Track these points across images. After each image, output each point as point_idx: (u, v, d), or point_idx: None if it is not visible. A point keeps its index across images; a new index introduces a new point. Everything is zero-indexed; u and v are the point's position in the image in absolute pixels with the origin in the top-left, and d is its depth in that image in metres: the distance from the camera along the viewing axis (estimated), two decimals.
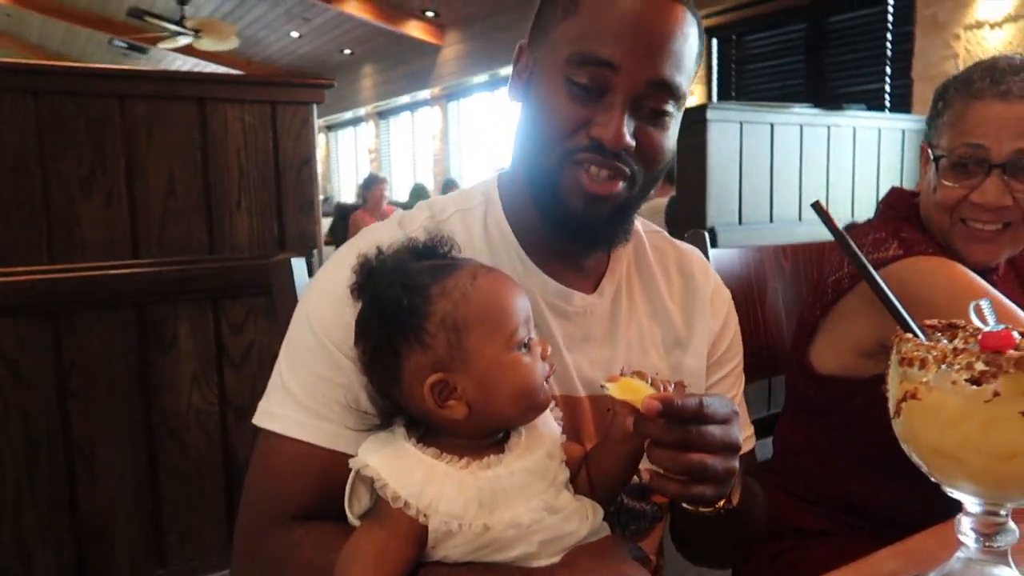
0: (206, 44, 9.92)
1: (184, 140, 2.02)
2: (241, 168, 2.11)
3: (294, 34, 11.72)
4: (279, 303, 1.00)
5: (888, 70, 5.39)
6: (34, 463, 1.87)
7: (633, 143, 0.77)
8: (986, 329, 0.56)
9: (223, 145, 2.08)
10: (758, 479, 1.31)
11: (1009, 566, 0.58)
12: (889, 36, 5.36)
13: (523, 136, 0.84)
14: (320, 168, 16.32)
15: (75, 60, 14.51)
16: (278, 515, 0.76)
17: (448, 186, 7.81)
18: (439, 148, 11.78)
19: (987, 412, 0.51)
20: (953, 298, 0.99)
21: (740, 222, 3.37)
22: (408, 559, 0.67)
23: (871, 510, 1.15)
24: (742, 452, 0.95)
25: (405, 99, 12.34)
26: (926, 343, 0.55)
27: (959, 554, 0.59)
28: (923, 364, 0.54)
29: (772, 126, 3.42)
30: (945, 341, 0.61)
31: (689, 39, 0.79)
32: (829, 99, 5.71)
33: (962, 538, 0.58)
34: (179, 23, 9.37)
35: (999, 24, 4.56)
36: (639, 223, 0.97)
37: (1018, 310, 0.97)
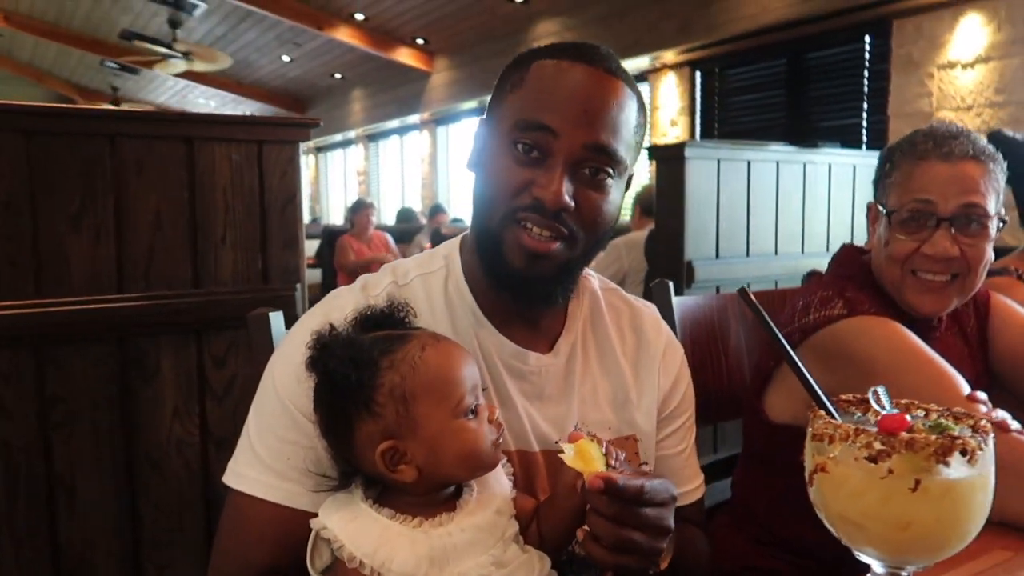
0: (197, 66, 9.99)
1: (172, 178, 2.07)
2: (227, 205, 2.16)
3: (285, 58, 11.82)
4: (256, 353, 1.05)
5: (865, 106, 5.53)
6: (13, 495, 1.89)
7: (572, 204, 0.83)
8: (883, 413, 0.62)
9: (210, 183, 2.13)
10: (715, 519, 1.38)
11: None
12: (866, 73, 5.50)
13: (475, 198, 0.91)
14: (308, 190, 16.45)
15: (66, 79, 14.56)
16: (246, 573, 0.80)
17: (435, 211, 7.87)
18: (427, 172, 11.87)
19: (883, 487, 0.57)
20: (890, 354, 1.06)
21: (717, 256, 3.45)
22: None
23: (821, 554, 1.21)
24: (691, 501, 1.02)
25: (394, 123, 12.45)
26: (834, 422, 0.61)
27: None
28: (831, 440, 0.60)
29: (749, 163, 3.52)
30: (858, 415, 0.67)
31: (625, 110, 0.86)
32: (808, 133, 5.84)
33: None
34: (170, 46, 9.44)
35: (970, 64, 4.70)
36: (597, 281, 1.03)
37: (949, 369, 1.04)
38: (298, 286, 2.29)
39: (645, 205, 3.89)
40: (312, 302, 2.15)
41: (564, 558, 0.87)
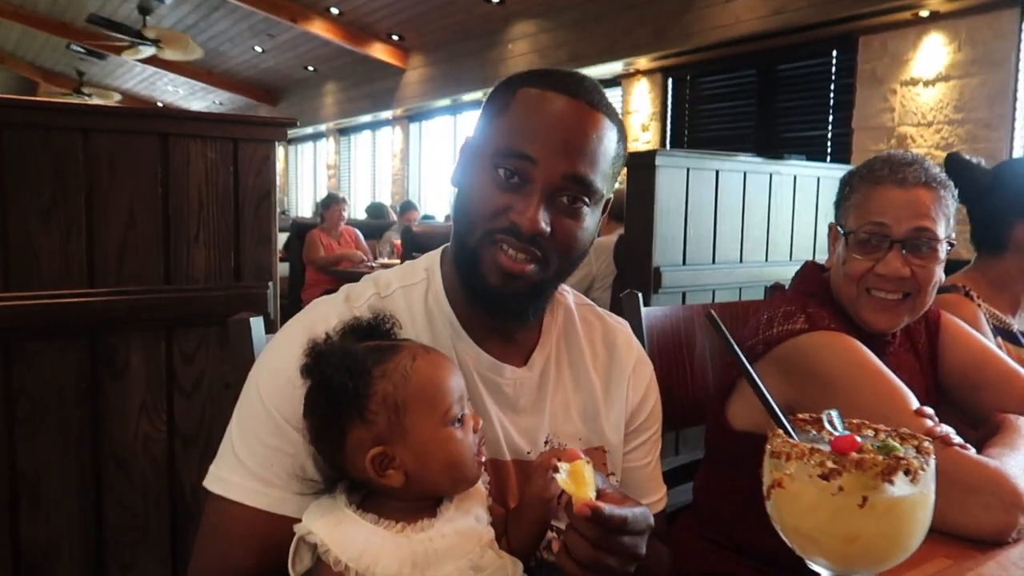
0: (168, 54, 9.84)
1: (146, 174, 2.06)
2: (201, 202, 2.16)
3: (257, 48, 11.70)
4: (236, 358, 1.06)
5: (831, 119, 5.67)
6: None
7: (548, 230, 0.86)
8: (836, 434, 0.67)
9: (184, 179, 2.12)
10: (676, 522, 1.42)
11: None
12: (832, 87, 5.64)
13: (456, 214, 0.94)
14: (278, 181, 16.23)
15: (30, 62, 14.23)
16: (226, 575, 0.82)
17: (407, 208, 7.85)
18: (399, 168, 11.84)
19: (834, 503, 0.62)
20: (847, 369, 1.13)
21: (684, 262, 3.52)
22: None
23: (782, 559, 1.26)
24: (654, 512, 1.06)
25: (367, 118, 12.39)
26: (790, 442, 0.66)
27: None
28: (788, 458, 0.65)
29: (717, 172, 3.59)
30: (813, 433, 0.71)
31: (604, 142, 0.89)
32: (776, 143, 5.96)
33: None
34: (139, 34, 9.28)
35: (932, 82, 4.85)
36: (572, 297, 1.07)
37: (900, 385, 1.10)
38: (271, 284, 2.30)
39: (614, 209, 3.94)
40: (281, 298, 2.15)
41: (533, 563, 0.91)
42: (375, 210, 8.60)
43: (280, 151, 15.19)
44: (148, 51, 9.73)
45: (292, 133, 14.82)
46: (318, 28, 9.83)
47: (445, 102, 10.42)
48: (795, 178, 3.88)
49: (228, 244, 2.21)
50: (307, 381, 0.80)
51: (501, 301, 0.90)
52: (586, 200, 0.89)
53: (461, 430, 0.81)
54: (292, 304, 5.44)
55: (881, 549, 0.64)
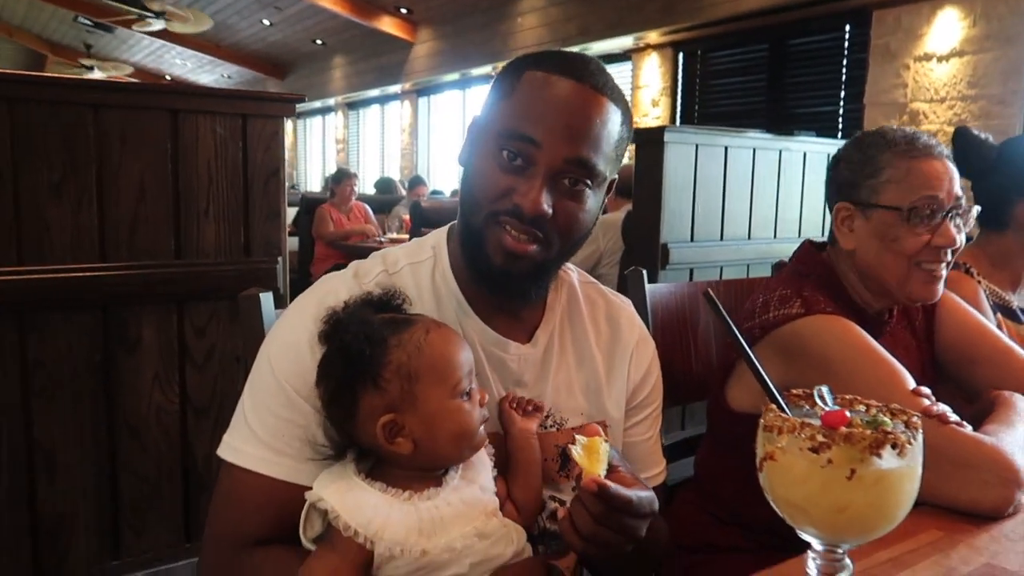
0: (176, 27, 9.81)
1: (156, 149, 2.08)
2: (211, 177, 2.18)
3: (265, 22, 11.64)
4: (246, 332, 1.09)
5: (842, 94, 5.61)
6: None
7: (549, 212, 0.88)
8: (826, 409, 0.69)
9: (194, 155, 2.14)
10: (679, 495, 1.45)
11: None
12: (845, 62, 5.58)
13: (461, 194, 0.96)
14: (287, 156, 16.20)
15: (38, 35, 14.19)
16: (240, 542, 0.85)
17: (415, 183, 7.85)
18: (408, 143, 11.81)
19: (823, 475, 0.64)
20: (844, 352, 1.14)
21: (692, 239, 3.52)
22: None
23: (780, 531, 1.29)
24: (654, 486, 1.08)
25: (375, 92, 12.34)
26: (782, 416, 0.68)
27: None
28: (779, 432, 0.67)
29: (726, 149, 3.57)
30: (806, 408, 0.73)
31: (608, 125, 0.90)
32: (786, 119, 5.92)
33: (809, 570, 0.71)
34: (146, 7, 9.25)
35: (945, 58, 4.79)
36: (576, 275, 1.09)
37: (897, 366, 1.11)
38: (280, 259, 2.32)
39: (622, 187, 3.93)
40: (290, 272, 2.18)
41: (536, 532, 0.94)
42: (384, 185, 8.59)
43: (288, 125, 15.10)
44: (158, 24, 9.69)
45: (300, 107, 14.76)
46: (326, 1, 9.77)
47: (454, 76, 10.36)
48: (805, 155, 3.86)
49: (238, 219, 2.24)
50: (324, 347, 0.83)
51: (504, 280, 0.91)
52: (588, 183, 0.90)
53: (469, 403, 0.84)
54: (302, 279, 5.47)
55: (868, 519, 0.66)
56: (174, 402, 2.17)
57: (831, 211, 1.35)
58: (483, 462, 0.87)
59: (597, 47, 7.64)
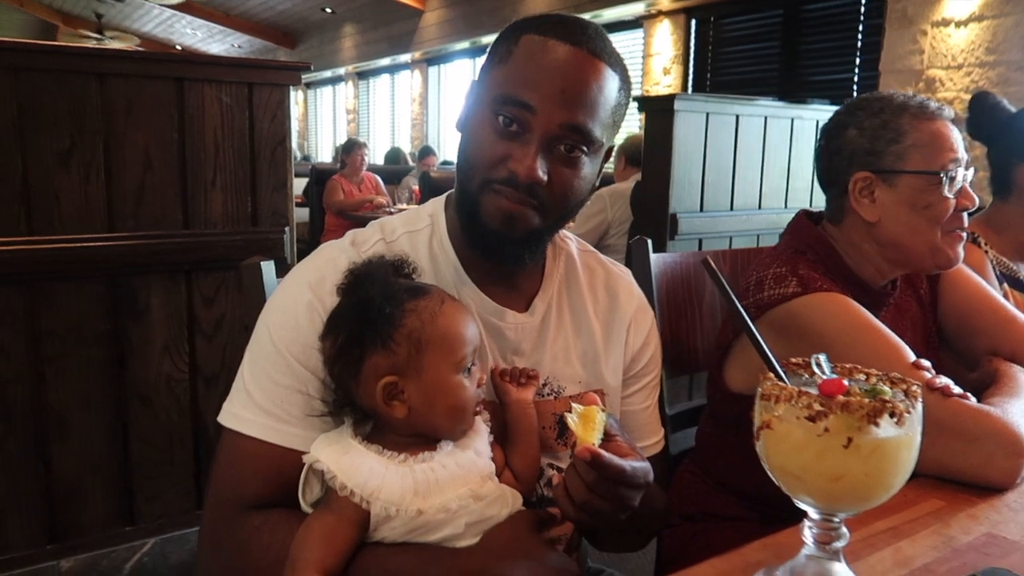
0: None
1: (162, 118, 2.08)
2: (217, 146, 2.18)
3: None
4: (249, 301, 1.09)
5: (858, 61, 5.51)
6: (7, 427, 1.96)
7: (544, 179, 0.87)
8: (824, 377, 0.68)
9: (200, 124, 2.14)
10: (681, 464, 1.46)
11: (840, 562, 0.71)
12: (861, 28, 5.47)
13: (458, 160, 0.95)
14: (297, 126, 16.20)
15: (48, 5, 14.13)
16: (240, 506, 0.86)
17: (425, 153, 7.81)
18: (418, 112, 11.74)
19: (820, 443, 0.64)
20: (842, 329, 1.12)
21: (702, 209, 3.49)
22: (352, 540, 0.79)
23: (778, 501, 1.29)
24: (652, 455, 1.09)
25: (385, 61, 12.24)
26: (780, 384, 0.67)
27: (803, 552, 0.72)
28: (777, 400, 0.66)
29: (737, 117, 3.53)
30: (805, 377, 0.73)
31: (605, 91, 0.89)
32: (800, 87, 5.83)
33: (805, 539, 0.71)
34: None
35: (964, 23, 4.69)
36: (575, 244, 1.09)
37: (896, 340, 1.10)
38: (287, 229, 2.32)
39: (631, 154, 3.90)
40: (299, 242, 2.20)
41: (535, 499, 0.94)
42: (393, 156, 8.57)
43: (299, 95, 14.99)
44: None
45: (311, 77, 14.71)
46: None
47: (464, 45, 10.25)
48: (817, 123, 3.81)
49: (244, 189, 2.24)
50: (340, 299, 0.83)
51: (499, 245, 0.91)
52: (584, 149, 0.89)
53: (469, 379, 0.84)
54: (311, 250, 5.46)
55: (865, 488, 0.66)
56: (184, 371, 2.19)
57: (832, 185, 1.29)
58: (478, 428, 0.88)
59: (608, 14, 7.53)
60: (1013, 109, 1.65)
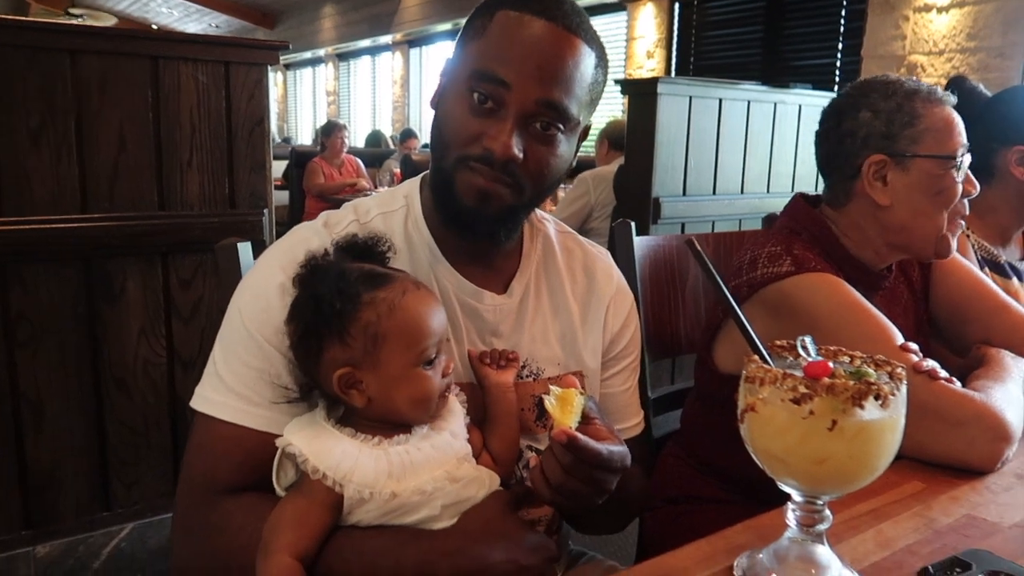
0: None
1: (136, 97, 2.03)
2: (193, 126, 2.14)
3: None
4: (225, 283, 1.07)
5: (840, 46, 5.52)
6: None
7: (520, 156, 0.86)
8: (809, 360, 0.67)
9: (175, 103, 2.10)
10: (665, 447, 1.46)
11: (823, 544, 0.71)
12: (843, 13, 5.48)
13: (432, 138, 0.93)
14: (276, 108, 16.01)
15: None
16: (212, 490, 0.85)
17: (407, 136, 7.74)
18: (399, 95, 11.64)
19: (804, 426, 0.63)
20: (832, 310, 1.12)
21: (684, 193, 3.49)
22: (326, 523, 0.78)
23: (763, 484, 1.30)
24: (632, 436, 1.08)
25: (366, 43, 12.11)
26: (764, 367, 0.66)
27: (787, 534, 0.72)
28: (761, 383, 0.65)
29: (720, 101, 3.52)
30: (790, 360, 0.72)
31: (581, 67, 0.87)
32: (783, 72, 5.83)
33: (789, 522, 0.71)
34: None
35: (945, 9, 4.70)
36: (552, 226, 1.08)
37: (886, 322, 1.10)
38: (266, 211, 2.29)
39: (614, 138, 3.89)
40: (279, 225, 2.18)
41: (513, 481, 0.93)
42: (374, 139, 8.49)
43: (279, 77, 14.83)
44: None
45: (290, 58, 14.52)
46: None
47: (446, 26, 10.15)
48: (800, 108, 3.81)
49: (222, 170, 2.20)
50: (296, 290, 0.82)
51: (473, 222, 0.90)
52: (560, 127, 0.88)
53: (432, 370, 0.82)
54: None
55: (849, 471, 0.65)
56: (161, 355, 2.16)
57: (839, 168, 1.27)
58: (454, 410, 0.87)
59: None
60: (989, 94, 1.65)
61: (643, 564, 0.78)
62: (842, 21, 5.50)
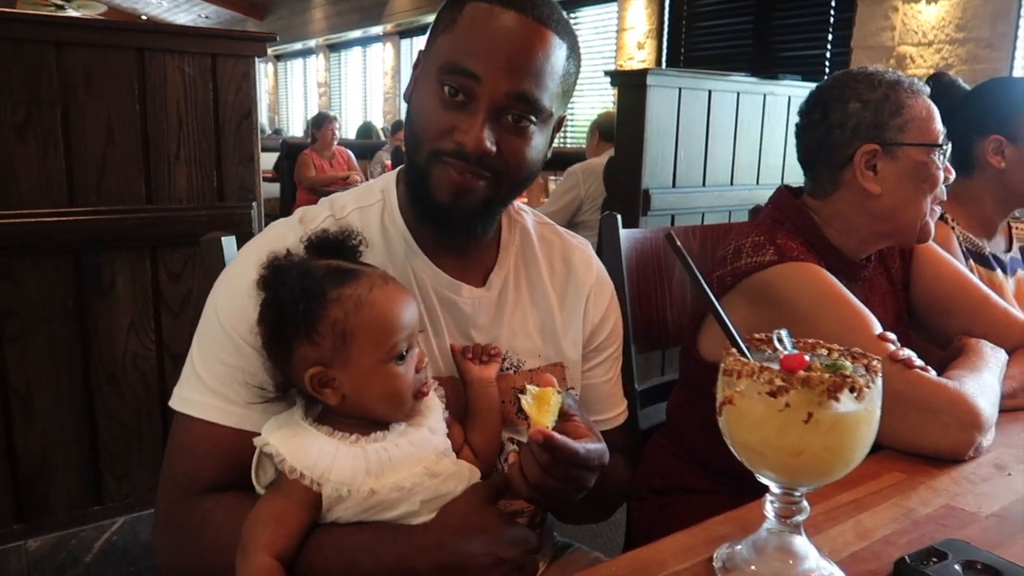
0: None
1: (123, 90, 2.03)
2: (180, 119, 2.13)
3: None
4: (210, 277, 1.07)
5: (830, 37, 5.52)
6: None
7: (493, 149, 0.85)
8: (785, 353, 0.68)
9: (162, 96, 2.09)
10: (652, 439, 1.47)
11: (801, 535, 0.72)
12: (833, 4, 5.48)
13: (405, 132, 0.94)
14: (267, 100, 15.92)
15: None
16: (193, 489, 0.85)
17: (398, 127, 7.72)
18: (391, 86, 11.59)
19: (781, 418, 0.64)
20: (813, 299, 1.14)
21: (674, 185, 3.49)
22: (304, 522, 0.78)
23: (746, 474, 1.31)
24: (615, 426, 1.09)
25: (357, 34, 12.04)
26: (742, 360, 0.67)
27: (766, 525, 0.73)
28: (739, 376, 0.66)
29: (710, 93, 3.52)
30: (768, 352, 0.73)
31: (552, 59, 0.87)
32: (773, 63, 5.83)
33: (767, 513, 0.72)
34: None
35: (934, 0, 4.71)
36: (531, 217, 1.08)
37: (865, 312, 1.11)
38: (254, 204, 2.29)
39: (605, 130, 3.89)
40: (269, 218, 2.20)
41: (494, 474, 0.94)
42: (364, 130, 8.46)
43: (269, 68, 14.70)
44: None
45: (280, 49, 14.44)
46: None
47: None
48: (789, 99, 3.81)
49: (210, 163, 2.20)
50: (262, 293, 0.81)
51: (449, 217, 0.90)
52: (533, 119, 0.88)
53: (404, 366, 0.82)
54: None
55: (824, 463, 0.66)
56: (151, 348, 2.16)
57: (826, 158, 1.28)
58: (432, 405, 0.87)
59: None
60: (968, 87, 1.67)
61: (625, 555, 0.79)
62: (832, 12, 5.50)
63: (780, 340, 0.69)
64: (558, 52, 0.88)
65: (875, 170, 1.24)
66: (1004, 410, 1.08)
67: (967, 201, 1.65)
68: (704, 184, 3.61)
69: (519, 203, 1.08)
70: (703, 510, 0.89)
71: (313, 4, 12.47)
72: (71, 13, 12.22)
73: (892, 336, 1.07)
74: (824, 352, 0.72)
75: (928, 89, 1.26)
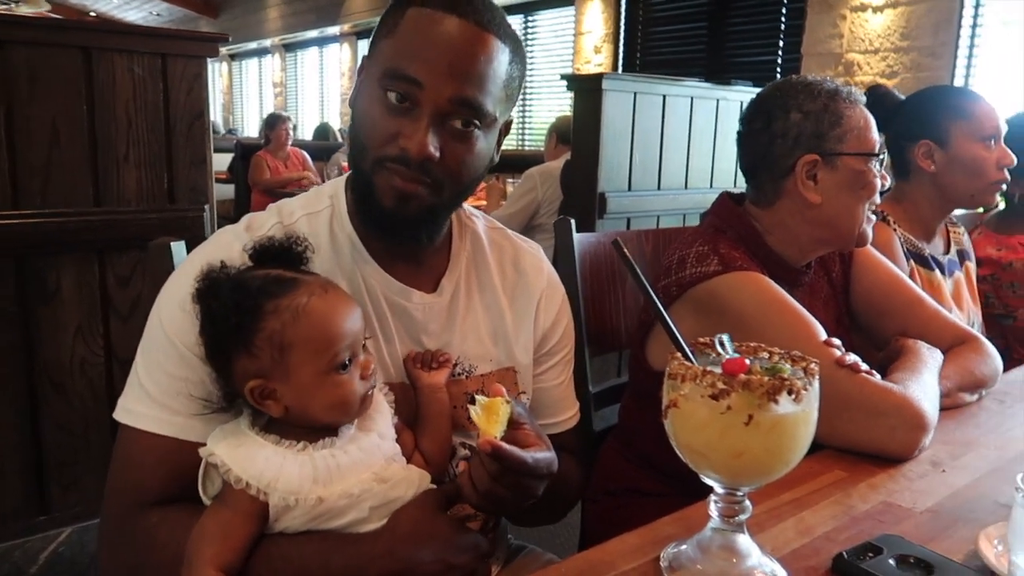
0: None
1: (69, 90, 1.98)
2: (130, 120, 2.09)
3: None
4: (159, 283, 1.05)
5: (781, 44, 5.65)
6: None
7: (437, 155, 0.85)
8: (726, 357, 0.70)
9: (110, 96, 2.05)
10: (606, 441, 1.48)
11: (744, 534, 0.74)
12: (784, 11, 5.60)
13: (350, 139, 0.93)
14: (221, 100, 15.65)
15: None
16: (137, 503, 0.84)
17: None
18: (348, 87, 11.49)
19: (722, 421, 0.66)
20: (758, 307, 1.16)
21: (630, 188, 3.53)
22: (250, 533, 0.77)
23: (695, 477, 1.33)
24: (567, 428, 1.10)
25: (313, 34, 11.91)
26: (686, 364, 0.69)
27: (710, 525, 0.75)
28: (683, 379, 0.68)
29: (664, 97, 3.57)
30: (713, 356, 0.75)
31: (494, 64, 0.87)
32: (726, 68, 5.93)
33: (711, 513, 0.74)
34: None
35: (880, 9, 4.85)
36: (482, 222, 1.08)
37: (810, 319, 1.14)
38: (207, 207, 2.25)
39: (562, 133, 3.92)
40: (223, 219, 2.17)
41: (447, 480, 0.94)
42: (322, 131, 8.38)
43: (223, 67, 14.45)
44: None
45: (235, 48, 14.21)
46: None
47: None
48: (741, 104, 3.89)
49: (160, 165, 2.16)
50: (196, 306, 0.80)
51: (394, 224, 0.90)
52: (477, 124, 0.88)
53: (348, 374, 0.81)
54: None
55: (764, 463, 0.68)
56: (98, 354, 2.11)
57: (767, 168, 1.30)
58: (381, 410, 0.87)
59: None
60: (902, 97, 1.76)
61: (575, 557, 0.80)
62: (783, 19, 5.62)
63: (722, 344, 0.71)
64: (501, 57, 0.88)
65: (815, 179, 1.26)
66: (940, 409, 1.12)
67: (908, 205, 1.72)
68: (659, 187, 3.66)
69: (470, 208, 1.08)
70: (656, 512, 0.90)
71: (268, 3, 12.31)
72: (24, 11, 11.87)
73: (837, 342, 1.11)
74: (765, 356, 0.74)
75: (864, 98, 1.30)
